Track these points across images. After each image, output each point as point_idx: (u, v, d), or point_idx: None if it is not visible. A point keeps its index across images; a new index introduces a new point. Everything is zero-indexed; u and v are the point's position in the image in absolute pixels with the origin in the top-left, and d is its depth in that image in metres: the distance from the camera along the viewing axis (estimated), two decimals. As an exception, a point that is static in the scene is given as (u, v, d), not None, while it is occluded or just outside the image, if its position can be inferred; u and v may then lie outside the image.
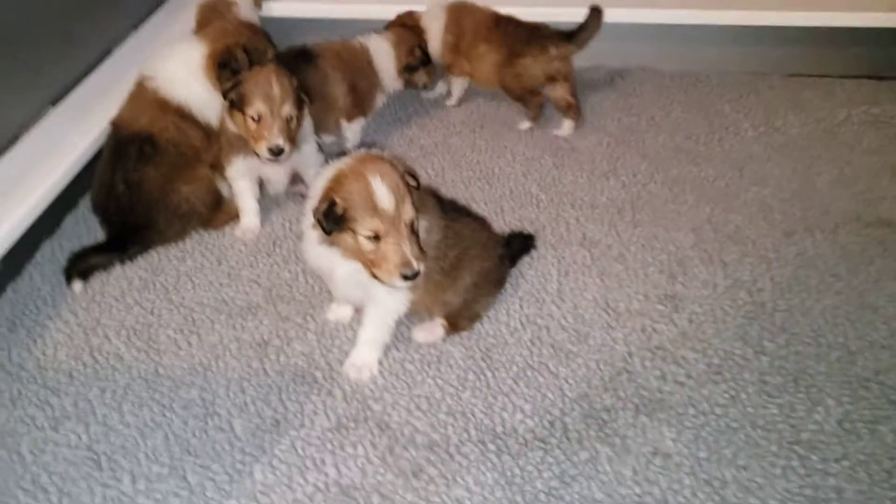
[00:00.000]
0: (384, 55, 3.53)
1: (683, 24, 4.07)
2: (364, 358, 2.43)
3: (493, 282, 2.59)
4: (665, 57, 4.20)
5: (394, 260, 2.11)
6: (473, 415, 2.30)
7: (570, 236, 3.00)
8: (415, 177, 2.20)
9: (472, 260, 2.46)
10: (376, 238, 2.11)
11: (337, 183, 2.13)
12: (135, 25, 3.77)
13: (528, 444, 2.22)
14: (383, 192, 2.07)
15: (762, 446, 2.21)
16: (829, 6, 3.99)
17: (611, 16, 3.94)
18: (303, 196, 3.16)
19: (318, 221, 2.12)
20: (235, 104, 2.76)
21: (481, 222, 2.60)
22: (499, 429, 2.26)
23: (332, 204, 2.09)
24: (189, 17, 3.67)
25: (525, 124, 3.69)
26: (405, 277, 2.11)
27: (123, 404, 2.32)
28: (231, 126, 2.83)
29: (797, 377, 2.41)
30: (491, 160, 3.47)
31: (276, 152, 2.72)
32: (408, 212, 2.11)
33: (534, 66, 3.53)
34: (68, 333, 2.56)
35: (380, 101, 3.60)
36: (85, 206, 3.10)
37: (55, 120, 3.09)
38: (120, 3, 3.69)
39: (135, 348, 2.51)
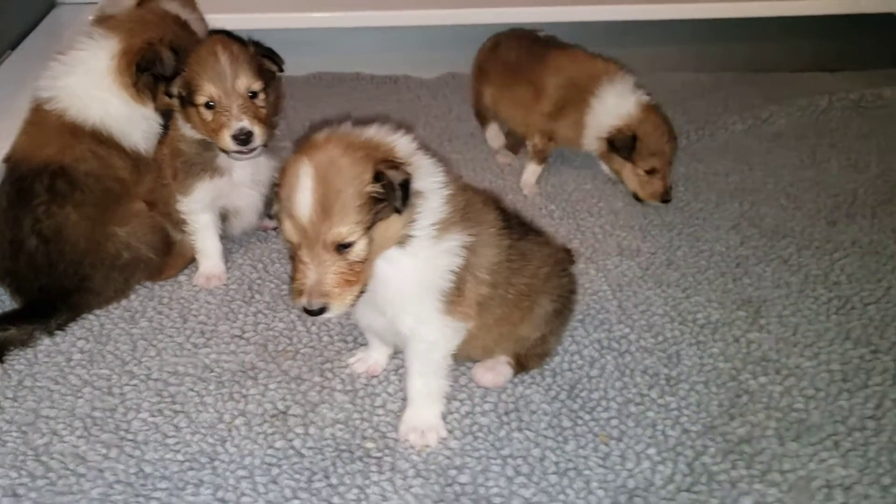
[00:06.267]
0: None
1: (626, 21, 3.82)
2: (424, 417, 1.84)
3: (571, 307, 2.07)
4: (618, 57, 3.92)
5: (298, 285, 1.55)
6: (591, 470, 1.76)
7: (604, 247, 2.55)
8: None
9: (548, 280, 1.93)
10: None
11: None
12: (11, 45, 3.01)
13: (675, 499, 1.70)
14: (300, 196, 1.50)
15: (943, 461, 1.81)
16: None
17: (557, 15, 3.68)
18: (267, 230, 2.54)
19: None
20: (185, 99, 2.13)
21: (545, 236, 2.08)
22: (630, 484, 1.73)
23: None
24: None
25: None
26: (306, 311, 1.55)
27: (104, 525, 1.60)
28: (188, 136, 2.19)
29: (932, 375, 2.05)
30: (476, 174, 2.98)
31: (244, 138, 2.08)
32: (334, 228, 1.51)
33: None
34: (-5, 435, 1.80)
35: None
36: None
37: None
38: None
39: (101, 444, 1.78)
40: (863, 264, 2.47)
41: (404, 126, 1.70)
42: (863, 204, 2.81)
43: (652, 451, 1.81)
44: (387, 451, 1.79)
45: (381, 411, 1.90)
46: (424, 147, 1.71)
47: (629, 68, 2.88)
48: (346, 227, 1.49)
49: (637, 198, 2.80)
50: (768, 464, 1.78)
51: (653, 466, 1.77)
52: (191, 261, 2.38)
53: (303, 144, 1.58)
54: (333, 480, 1.71)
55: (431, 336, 1.73)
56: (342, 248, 1.51)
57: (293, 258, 1.55)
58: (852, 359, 2.09)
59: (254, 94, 2.10)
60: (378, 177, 1.50)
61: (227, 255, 2.42)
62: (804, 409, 1.93)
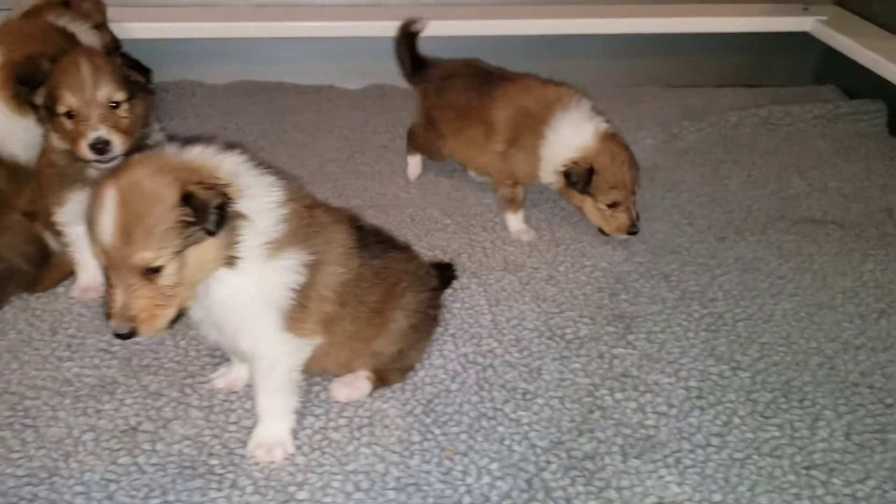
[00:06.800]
0: None
1: (548, 35, 3.86)
2: (272, 433, 1.85)
3: (431, 321, 2.10)
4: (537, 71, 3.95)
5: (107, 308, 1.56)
6: (430, 486, 1.78)
7: (491, 261, 2.58)
8: None
9: (403, 296, 1.96)
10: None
11: None
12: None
13: (507, 515, 1.72)
14: (102, 219, 1.49)
15: (777, 476, 1.83)
16: (696, 13, 3.92)
17: (461, 29, 3.71)
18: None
19: None
20: (51, 110, 2.13)
21: (408, 252, 2.10)
22: (466, 500, 1.75)
23: None
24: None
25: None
26: (116, 334, 1.56)
27: (-69, 541, 1.61)
28: (58, 146, 2.19)
29: (785, 391, 2.08)
30: (381, 186, 3.00)
31: (101, 147, 2.08)
32: (137, 253, 1.50)
33: None
34: None
35: None
36: None
37: None
38: None
39: (-59, 458, 1.79)
40: (741, 281, 2.51)
41: (238, 145, 1.71)
42: (755, 220, 2.85)
43: (495, 466, 1.83)
44: (231, 468, 1.80)
45: (233, 427, 1.92)
46: (264, 165, 1.72)
47: (584, 92, 2.75)
48: (150, 253, 1.49)
49: (602, 231, 2.68)
50: (607, 480, 1.80)
51: (492, 482, 1.79)
52: (70, 273, 2.39)
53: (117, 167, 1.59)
54: (170, 497, 1.72)
55: (271, 353, 1.75)
56: (150, 272, 1.51)
57: (106, 279, 1.56)
58: (711, 375, 2.13)
59: (116, 105, 2.11)
60: (188, 199, 1.50)
61: (109, 267, 2.42)
62: (654, 426, 1.96)
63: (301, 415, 1.92)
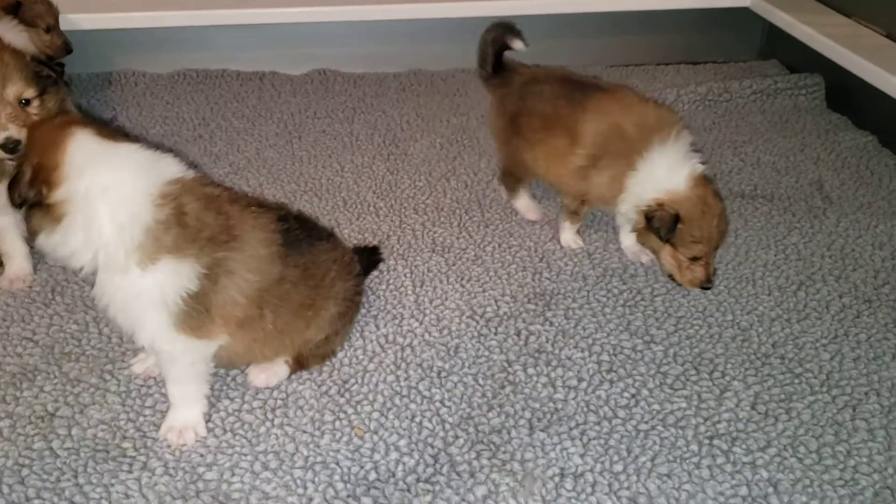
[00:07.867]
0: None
1: (488, 16, 3.86)
2: (184, 417, 1.88)
3: (356, 307, 2.13)
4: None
5: None
6: (338, 464, 1.82)
7: (419, 243, 2.61)
8: None
9: (332, 286, 1.99)
10: None
11: None
12: None
13: (411, 490, 1.76)
14: None
15: (680, 447, 1.89)
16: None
17: (399, 13, 3.75)
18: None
19: None
20: None
21: (332, 240, 2.10)
22: (372, 476, 1.79)
23: None
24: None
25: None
26: None
27: None
28: None
29: (696, 363, 2.13)
30: (316, 171, 3.02)
31: (11, 146, 2.08)
32: None
33: None
34: None
35: None
36: None
37: None
38: None
39: None
40: (664, 256, 2.55)
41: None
42: (684, 197, 2.89)
43: (403, 442, 1.87)
44: (142, 451, 1.84)
45: (149, 412, 1.95)
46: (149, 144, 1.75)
47: (685, 122, 2.44)
48: None
49: (672, 279, 2.42)
50: (512, 453, 1.85)
51: (399, 458, 1.84)
52: (-1, 264, 2.41)
53: None
54: (81, 480, 1.76)
55: (167, 349, 1.78)
56: None
57: None
58: (624, 349, 2.17)
59: (27, 102, 2.12)
60: None
61: (37, 256, 2.43)
62: (563, 400, 2.01)
63: (216, 398, 1.96)
